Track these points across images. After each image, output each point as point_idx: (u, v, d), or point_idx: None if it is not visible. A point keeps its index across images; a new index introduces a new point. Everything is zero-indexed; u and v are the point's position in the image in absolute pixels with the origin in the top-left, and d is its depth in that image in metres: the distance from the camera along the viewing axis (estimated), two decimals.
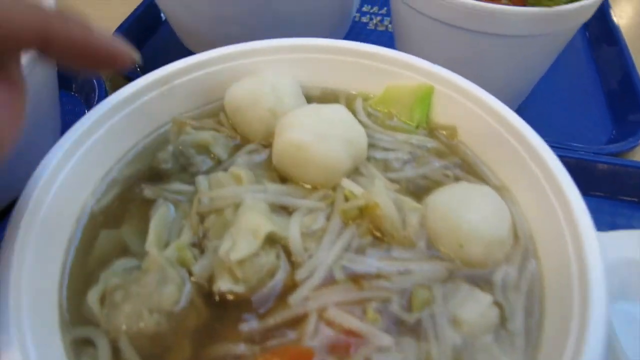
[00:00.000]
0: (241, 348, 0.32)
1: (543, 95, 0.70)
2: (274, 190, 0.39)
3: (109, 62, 0.27)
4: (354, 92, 0.50)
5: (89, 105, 0.63)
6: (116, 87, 0.67)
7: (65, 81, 0.64)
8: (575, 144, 0.61)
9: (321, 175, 0.40)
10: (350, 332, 0.33)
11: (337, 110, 0.42)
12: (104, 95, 0.63)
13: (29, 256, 0.32)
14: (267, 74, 0.46)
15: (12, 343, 0.27)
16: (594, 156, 0.58)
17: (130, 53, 0.27)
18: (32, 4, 0.24)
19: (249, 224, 0.35)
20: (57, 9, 0.25)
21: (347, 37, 0.81)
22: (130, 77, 0.68)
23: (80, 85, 0.64)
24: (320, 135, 0.39)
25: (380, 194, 0.38)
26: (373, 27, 0.85)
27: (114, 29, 0.74)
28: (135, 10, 0.79)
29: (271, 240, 0.36)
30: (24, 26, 0.23)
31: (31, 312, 0.30)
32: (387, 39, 0.81)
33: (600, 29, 0.82)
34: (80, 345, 0.32)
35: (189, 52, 0.46)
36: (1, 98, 0.24)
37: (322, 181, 0.40)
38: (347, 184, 0.39)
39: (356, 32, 0.83)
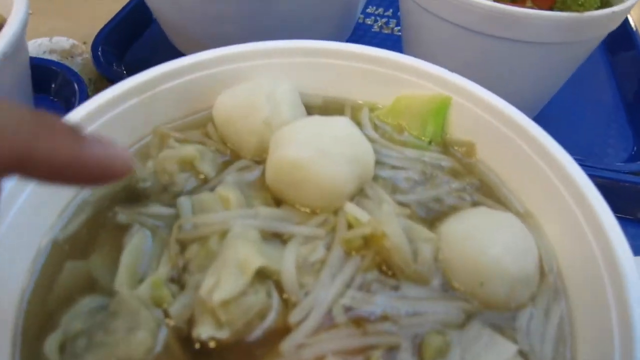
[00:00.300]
0: None
1: (558, 108, 0.66)
2: (267, 215, 0.34)
3: (102, 177, 0.23)
4: (359, 102, 0.45)
5: (70, 111, 0.58)
6: (99, 90, 0.63)
7: (42, 84, 0.59)
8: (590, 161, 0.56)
9: (321, 198, 0.35)
10: None
11: (342, 123, 0.37)
12: (85, 98, 0.57)
13: None
14: (262, 80, 0.41)
15: None
16: (619, 175, 0.53)
17: (127, 162, 0.23)
18: (11, 114, 0.20)
19: (237, 256, 0.31)
20: (41, 118, 0.21)
21: (350, 39, 0.77)
22: (114, 81, 0.63)
23: (59, 89, 0.59)
24: (322, 152, 0.34)
25: (389, 221, 0.33)
26: (378, 30, 0.80)
27: (101, 27, 0.69)
28: (124, 7, 0.74)
29: (262, 276, 0.31)
30: (1, 153, 0.19)
31: None
32: (392, 43, 0.76)
33: (619, 37, 0.77)
34: None
35: (180, 55, 0.41)
36: None
37: (322, 204, 0.35)
38: (351, 209, 0.34)
39: (359, 34, 0.78)
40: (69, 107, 0.59)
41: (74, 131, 0.22)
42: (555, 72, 0.53)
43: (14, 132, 0.20)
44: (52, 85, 0.60)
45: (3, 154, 0.19)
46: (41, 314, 0.30)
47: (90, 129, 0.37)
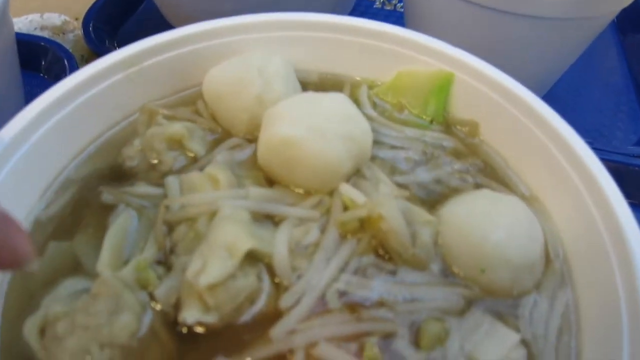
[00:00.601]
0: None
1: (567, 89, 0.63)
2: (258, 196, 0.33)
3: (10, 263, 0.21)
4: (358, 78, 0.43)
5: None
6: None
7: (32, 61, 0.57)
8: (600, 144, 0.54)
9: (315, 178, 0.33)
10: None
11: (337, 100, 0.35)
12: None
13: None
14: (253, 54, 0.39)
15: None
16: (628, 158, 0.51)
17: (26, 255, 0.21)
18: None
19: (225, 238, 0.29)
20: None
21: (351, 16, 0.73)
22: None
23: (49, 66, 0.57)
24: (316, 130, 0.32)
25: (386, 203, 0.31)
26: (380, 6, 0.77)
27: (93, 3, 0.67)
28: None
29: (252, 258, 0.30)
30: None
31: None
32: (395, 20, 0.73)
33: (629, 18, 0.73)
34: None
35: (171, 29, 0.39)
36: None
37: (317, 185, 0.34)
38: (347, 190, 0.33)
39: (361, 10, 0.75)
40: None
41: None
42: (566, 49, 0.51)
43: None
44: (42, 62, 0.58)
45: None
46: (22, 295, 0.29)
47: (74, 105, 0.35)
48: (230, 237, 0.29)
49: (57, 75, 0.57)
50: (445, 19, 0.53)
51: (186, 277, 0.28)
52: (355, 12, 0.75)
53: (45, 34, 0.65)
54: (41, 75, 0.58)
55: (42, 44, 0.57)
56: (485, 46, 0.43)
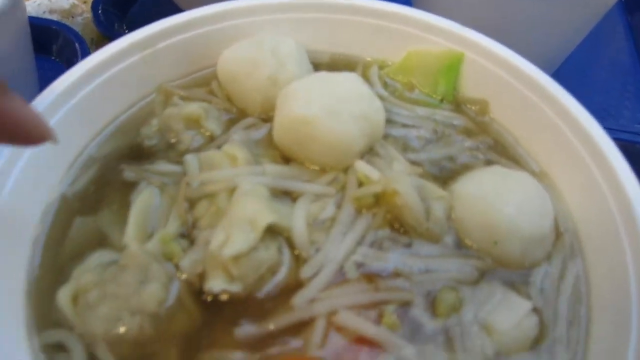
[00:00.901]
0: (237, 357, 0.27)
1: (574, 68, 0.63)
2: (275, 172, 0.34)
3: (16, 137, 0.23)
4: (368, 59, 0.44)
5: None
6: None
7: (43, 44, 0.57)
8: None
9: (330, 156, 0.34)
10: (364, 340, 0.28)
11: (351, 80, 0.35)
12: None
13: None
14: (266, 35, 0.40)
15: None
16: (635, 137, 0.52)
17: (45, 131, 0.23)
18: None
19: (246, 213, 0.30)
20: None
21: None
22: None
23: (60, 49, 0.58)
24: (330, 109, 0.33)
25: (401, 179, 0.32)
26: None
27: None
28: None
29: (272, 232, 0.31)
30: None
31: None
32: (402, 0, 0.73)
33: None
34: (51, 351, 0.28)
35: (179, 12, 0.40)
36: None
37: (331, 162, 0.35)
38: (361, 167, 0.34)
39: None
40: (70, 67, 0.57)
41: (3, 88, 0.21)
42: (573, 28, 0.51)
43: None
44: (53, 45, 0.58)
45: None
46: (52, 267, 0.30)
47: (90, 87, 0.36)
48: (251, 211, 0.30)
49: (69, 58, 0.57)
50: None
51: (210, 249, 0.29)
52: None
53: (54, 17, 0.65)
54: (53, 58, 0.59)
55: (54, 27, 0.58)
56: (491, 26, 0.44)
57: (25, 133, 0.22)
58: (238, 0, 0.41)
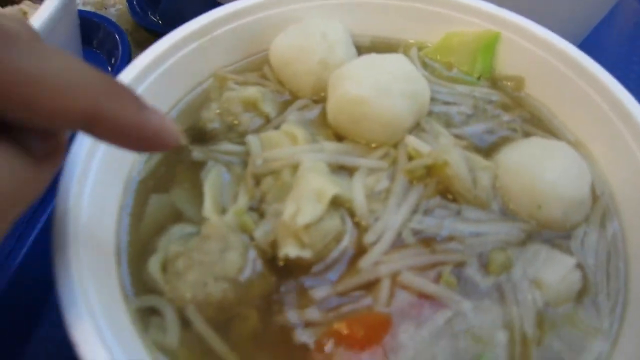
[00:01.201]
0: (314, 315, 0.31)
1: (596, 42, 0.65)
2: (332, 149, 0.37)
3: (154, 145, 0.24)
4: (409, 41, 0.46)
5: (112, 62, 0.59)
6: (137, 41, 0.64)
7: (85, 36, 0.59)
8: None
9: (382, 133, 0.37)
10: (426, 297, 0.31)
11: (399, 61, 0.38)
12: (127, 50, 0.58)
13: (82, 230, 0.30)
14: (315, 20, 0.42)
15: (83, 316, 0.26)
16: None
17: (177, 136, 0.25)
18: (88, 73, 0.21)
19: (312, 186, 0.33)
20: (110, 81, 0.22)
21: None
22: (151, 30, 0.64)
23: (102, 41, 0.60)
24: (382, 89, 0.36)
25: (450, 151, 0.35)
26: None
27: None
28: None
29: (335, 203, 0.34)
30: (73, 106, 0.20)
31: (93, 283, 0.28)
32: None
33: None
34: (145, 314, 0.31)
35: (215, 3, 0.42)
36: (27, 176, 0.22)
37: (383, 138, 0.37)
38: (412, 141, 0.36)
39: None
40: (111, 58, 0.60)
41: (137, 99, 0.23)
42: (596, 3, 0.53)
43: (86, 90, 0.21)
44: (94, 37, 0.60)
45: (74, 108, 0.20)
46: (137, 241, 0.34)
47: (154, 75, 0.38)
48: (317, 184, 0.33)
49: (110, 50, 0.59)
50: None
51: (283, 219, 0.32)
52: None
53: (87, 9, 0.68)
54: (94, 50, 0.61)
55: (95, 19, 0.60)
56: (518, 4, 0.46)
57: (162, 141, 0.24)
58: None
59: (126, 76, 0.37)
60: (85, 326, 0.25)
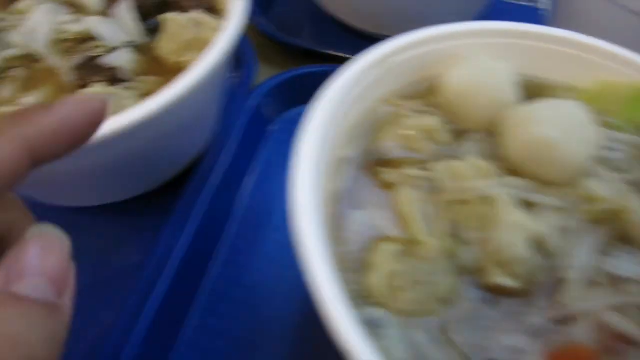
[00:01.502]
0: (523, 342, 0.32)
1: None
2: (518, 185, 0.39)
3: (91, 125, 0.24)
4: (557, 84, 0.49)
5: (239, 70, 0.61)
6: (262, 49, 0.65)
7: None
8: None
9: (563, 174, 0.39)
10: (623, 338, 0.33)
11: (577, 107, 0.40)
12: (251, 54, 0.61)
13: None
14: (484, 59, 0.45)
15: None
16: None
17: (98, 101, 0.24)
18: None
19: (515, 220, 0.35)
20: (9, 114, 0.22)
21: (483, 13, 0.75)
22: (279, 41, 0.66)
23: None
24: (569, 135, 0.38)
25: (629, 197, 0.38)
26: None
27: None
28: None
29: (532, 238, 0.36)
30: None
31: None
32: (532, 16, 0.74)
33: None
34: (368, 325, 0.32)
35: (325, 16, 0.44)
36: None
37: (560, 179, 0.40)
38: (593, 185, 0.39)
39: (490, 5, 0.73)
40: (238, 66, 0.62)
41: (40, 105, 0.23)
42: None
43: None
44: None
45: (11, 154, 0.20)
46: (339, 253, 0.35)
47: (338, 100, 0.40)
48: (519, 219, 0.35)
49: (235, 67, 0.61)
50: (595, 21, 0.59)
51: (495, 248, 0.34)
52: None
53: None
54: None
55: None
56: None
57: (91, 110, 0.23)
58: (453, 24, 0.46)
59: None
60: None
